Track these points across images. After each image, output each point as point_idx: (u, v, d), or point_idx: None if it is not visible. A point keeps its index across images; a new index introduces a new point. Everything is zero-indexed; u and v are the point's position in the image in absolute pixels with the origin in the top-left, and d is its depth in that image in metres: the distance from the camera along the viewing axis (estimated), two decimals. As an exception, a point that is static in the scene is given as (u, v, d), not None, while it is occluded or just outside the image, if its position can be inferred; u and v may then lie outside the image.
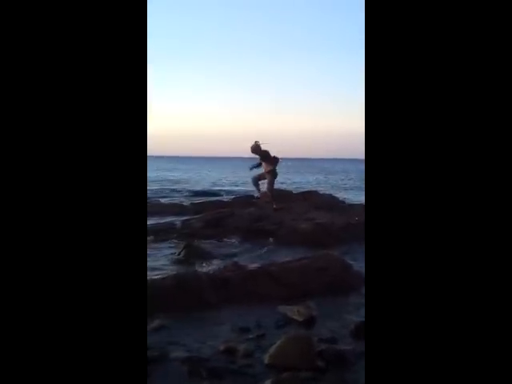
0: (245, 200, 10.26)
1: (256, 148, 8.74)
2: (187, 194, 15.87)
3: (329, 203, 9.98)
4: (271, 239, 6.92)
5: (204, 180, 26.40)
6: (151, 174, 22.72)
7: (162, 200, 12.65)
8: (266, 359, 2.87)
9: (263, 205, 8.81)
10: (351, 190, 19.93)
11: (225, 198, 12.08)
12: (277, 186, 9.66)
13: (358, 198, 13.16)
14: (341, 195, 13.34)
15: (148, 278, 4.57)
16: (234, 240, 6.98)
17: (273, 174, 8.79)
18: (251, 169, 9.06)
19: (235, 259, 5.38)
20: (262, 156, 8.76)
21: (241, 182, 22.87)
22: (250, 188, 10.80)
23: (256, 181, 9.20)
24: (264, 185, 9.07)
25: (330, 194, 11.79)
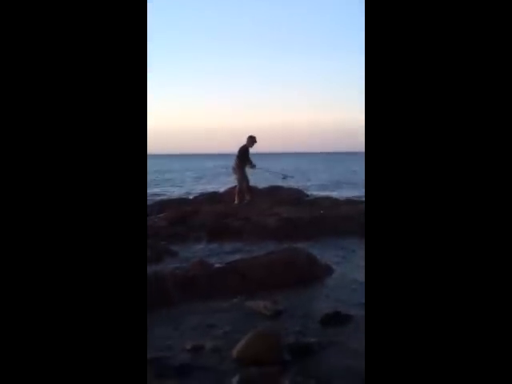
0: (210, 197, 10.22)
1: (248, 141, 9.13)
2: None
3: (294, 197, 10.05)
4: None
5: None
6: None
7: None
8: (234, 354, 2.86)
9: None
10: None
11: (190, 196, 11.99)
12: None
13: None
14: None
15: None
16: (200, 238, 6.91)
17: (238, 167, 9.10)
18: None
19: (201, 257, 5.33)
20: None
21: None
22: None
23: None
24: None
25: (296, 188, 11.87)
